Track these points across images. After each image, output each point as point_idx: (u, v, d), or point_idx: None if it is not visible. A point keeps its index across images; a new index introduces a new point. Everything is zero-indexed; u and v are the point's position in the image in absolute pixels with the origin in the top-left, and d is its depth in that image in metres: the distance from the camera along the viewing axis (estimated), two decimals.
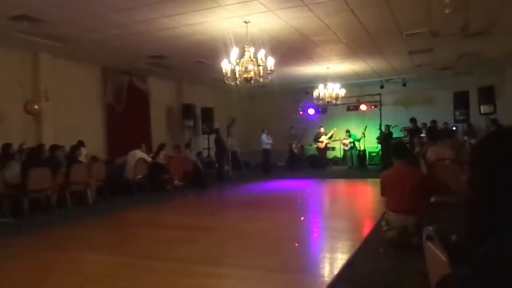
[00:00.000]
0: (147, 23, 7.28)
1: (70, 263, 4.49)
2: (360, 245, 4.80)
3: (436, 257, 1.15)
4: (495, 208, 0.95)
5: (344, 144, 15.12)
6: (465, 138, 12.12)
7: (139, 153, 10.11)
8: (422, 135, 9.74)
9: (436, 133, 6.17)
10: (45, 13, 6.67)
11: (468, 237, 1.01)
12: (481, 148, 1.06)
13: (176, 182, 10.87)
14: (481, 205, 1.00)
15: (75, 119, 9.84)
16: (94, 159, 9.40)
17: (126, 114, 11.26)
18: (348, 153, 15.06)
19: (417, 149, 6.19)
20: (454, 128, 13.52)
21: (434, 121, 12.55)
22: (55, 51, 9.03)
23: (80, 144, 9.14)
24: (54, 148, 8.24)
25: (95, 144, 10.27)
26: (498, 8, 7.16)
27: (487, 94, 12.11)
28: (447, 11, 6.96)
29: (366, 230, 5.74)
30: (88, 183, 8.44)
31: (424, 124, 12.67)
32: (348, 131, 14.94)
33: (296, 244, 4.91)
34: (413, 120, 13.08)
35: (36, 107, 8.95)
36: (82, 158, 8.88)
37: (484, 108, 12.12)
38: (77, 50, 9.04)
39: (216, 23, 7.35)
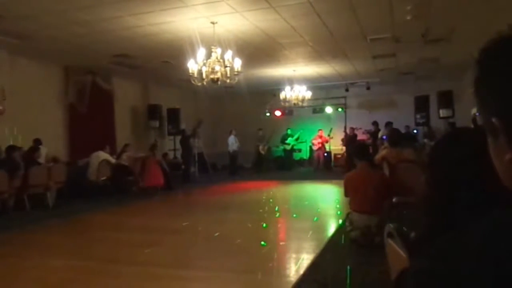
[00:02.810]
0: (112, 21, 7.12)
1: (29, 269, 4.31)
2: (325, 245, 4.88)
3: (396, 253, 1.18)
4: (452, 205, 0.99)
5: (313, 144, 15.33)
6: (425, 140, 12.57)
7: (103, 154, 9.86)
8: (384, 137, 9.99)
9: (397, 138, 6.28)
10: (1, 8, 6.37)
11: (426, 233, 1.05)
12: (438, 148, 1.11)
13: (141, 183, 10.67)
14: (438, 203, 1.04)
15: (35, 119, 9.47)
16: (54, 160, 9.08)
17: (89, 115, 10.94)
18: (315, 154, 15.26)
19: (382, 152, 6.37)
20: (415, 131, 14.01)
21: (390, 123, 12.69)
22: (12, 49, 8.64)
23: (37, 143, 8.78)
24: (11, 149, 7.89)
25: (56, 145, 9.94)
26: (457, 16, 7.47)
27: (446, 99, 12.60)
28: (408, 17, 7.19)
29: (331, 230, 5.85)
30: (48, 186, 8.14)
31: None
32: (321, 129, 15.14)
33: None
34: (375, 123, 13.44)
35: (0, 107, 8.55)
36: (41, 158, 8.56)
37: (443, 112, 12.60)
38: (37, 48, 8.70)
39: (182, 23, 7.27)
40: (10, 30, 7.45)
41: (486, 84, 0.58)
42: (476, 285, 0.47)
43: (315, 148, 15.30)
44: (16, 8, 6.40)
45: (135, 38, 8.17)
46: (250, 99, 15.38)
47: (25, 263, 4.51)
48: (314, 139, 15.22)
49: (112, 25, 7.31)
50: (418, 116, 13.32)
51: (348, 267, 3.93)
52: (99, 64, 10.39)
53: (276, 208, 7.94)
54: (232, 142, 14.43)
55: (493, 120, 0.56)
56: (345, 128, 14.44)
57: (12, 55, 8.96)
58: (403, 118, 13.54)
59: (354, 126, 14.28)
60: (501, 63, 0.55)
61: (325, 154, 15.27)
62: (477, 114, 0.60)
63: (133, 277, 3.91)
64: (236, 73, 7.33)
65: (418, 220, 1.14)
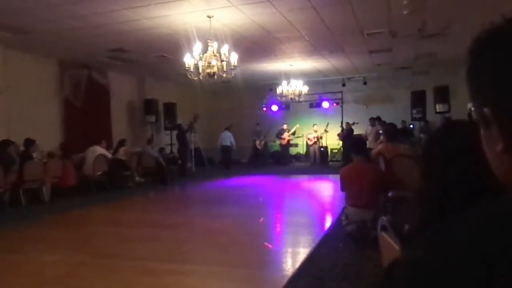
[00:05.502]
0: (107, 15, 7.06)
1: (25, 263, 4.31)
2: (321, 239, 4.89)
3: (389, 245, 1.18)
4: (446, 197, 0.99)
5: (308, 139, 15.33)
6: (422, 135, 12.60)
7: (99, 149, 9.83)
8: (380, 131, 10.02)
9: (393, 132, 6.29)
10: None
11: (420, 225, 1.05)
12: (432, 141, 1.10)
13: (137, 178, 10.67)
14: (432, 195, 1.04)
15: (30, 114, 9.42)
16: (50, 155, 9.03)
17: (85, 109, 10.89)
18: (311, 149, 15.29)
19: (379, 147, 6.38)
20: (411, 126, 14.04)
21: (376, 118, 12.75)
22: (7, 43, 8.58)
23: (29, 142, 8.61)
24: (6, 143, 7.84)
25: (51, 140, 9.87)
26: (453, 11, 7.46)
27: (442, 94, 12.61)
28: (405, 12, 7.18)
29: (327, 224, 5.86)
30: (44, 181, 8.11)
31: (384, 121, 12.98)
32: (315, 125, 15.15)
33: (269, 245, 4.90)
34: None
35: None
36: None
37: (439, 107, 12.62)
38: (32, 42, 8.63)
39: (179, 16, 7.23)
40: (4, 24, 7.38)
41: (478, 74, 0.57)
42: (464, 278, 0.47)
43: (309, 143, 15.32)
44: (9, 2, 6.34)
45: (131, 32, 8.12)
46: (246, 94, 15.37)
47: (21, 258, 4.51)
48: (309, 133, 15.24)
49: (107, 19, 7.26)
50: (414, 111, 13.34)
51: (344, 261, 3.95)
52: (95, 58, 10.33)
53: (272, 203, 7.95)
54: (224, 137, 14.46)
55: (485, 110, 0.56)
56: (341, 123, 14.44)
57: (6, 49, 8.89)
58: (400, 113, 13.57)
59: (350, 121, 14.29)
60: (493, 53, 0.55)
61: (321, 149, 15.28)
62: (472, 108, 0.60)
63: (129, 272, 3.91)
64: (232, 67, 7.31)
65: (413, 213, 1.14)
